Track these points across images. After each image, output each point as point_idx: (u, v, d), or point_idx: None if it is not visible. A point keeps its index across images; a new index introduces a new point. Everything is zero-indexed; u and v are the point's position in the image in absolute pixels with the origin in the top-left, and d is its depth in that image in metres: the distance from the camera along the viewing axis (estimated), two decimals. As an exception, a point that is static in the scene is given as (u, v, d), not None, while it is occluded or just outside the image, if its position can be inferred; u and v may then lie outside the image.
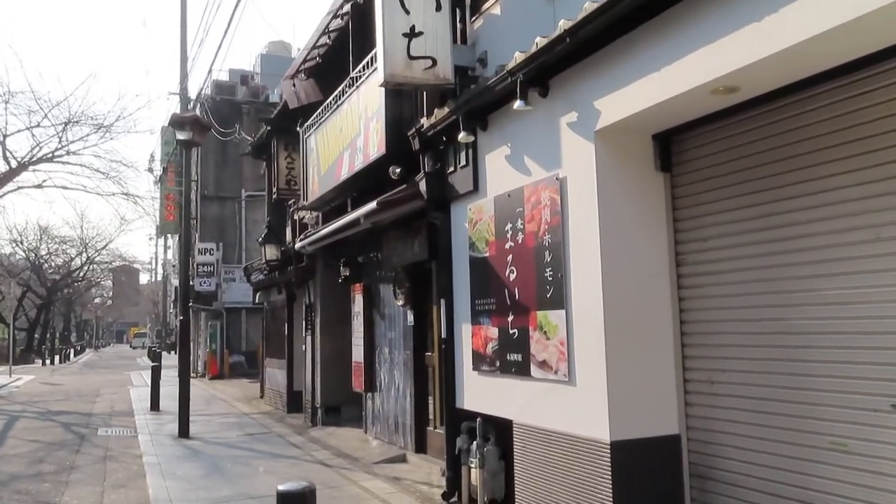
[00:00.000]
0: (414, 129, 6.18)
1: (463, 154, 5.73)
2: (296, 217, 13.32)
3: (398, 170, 6.57)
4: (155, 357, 22.94)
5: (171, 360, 26.34)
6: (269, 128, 12.99)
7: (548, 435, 4.64)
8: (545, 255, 4.65)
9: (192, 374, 23.58)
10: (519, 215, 4.96)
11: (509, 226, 5.08)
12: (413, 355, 7.66)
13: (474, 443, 5.43)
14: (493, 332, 5.24)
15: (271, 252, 11.46)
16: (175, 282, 30.01)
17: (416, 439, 7.58)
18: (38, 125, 16.90)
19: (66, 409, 13.60)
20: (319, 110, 9.19)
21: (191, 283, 24.41)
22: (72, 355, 42.54)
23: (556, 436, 4.56)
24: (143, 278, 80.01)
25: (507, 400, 5.10)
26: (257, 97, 26.05)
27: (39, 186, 17.90)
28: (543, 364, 4.64)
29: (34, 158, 17.33)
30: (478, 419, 5.44)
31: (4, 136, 16.67)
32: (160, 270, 62.92)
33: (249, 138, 16.64)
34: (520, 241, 4.95)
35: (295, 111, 11.64)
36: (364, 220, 6.52)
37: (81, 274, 44.27)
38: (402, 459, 7.62)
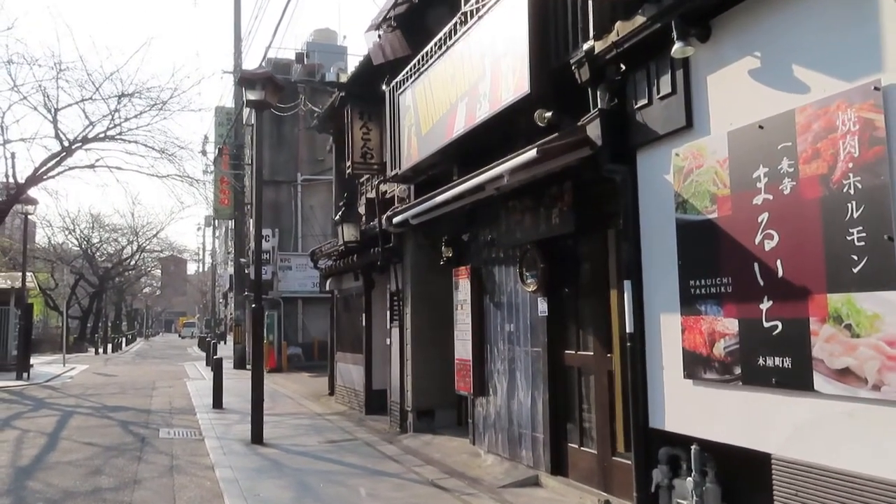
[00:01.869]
0: (580, 56, 4.62)
1: (665, 79, 4.15)
2: (370, 194, 11.93)
3: (547, 114, 5.03)
4: (210, 348, 22.04)
5: (224, 350, 25.44)
6: (341, 94, 11.59)
7: (851, 483, 3.06)
8: (848, 209, 3.06)
9: (248, 367, 22.67)
10: (784, 153, 3.37)
11: (762, 171, 3.49)
12: (547, 353, 6.14)
13: (688, 479, 3.89)
14: (727, 324, 3.67)
15: (349, 233, 10.07)
16: (230, 269, 29.08)
17: (552, 458, 6.05)
18: (91, 99, 15.83)
19: (123, 405, 12.50)
20: (416, 61, 7.70)
21: (246, 270, 23.50)
22: (124, 344, 42.37)
23: (871, 485, 2.98)
24: (191, 269, 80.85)
25: (757, 423, 3.53)
26: (313, 76, 24.80)
27: (92, 167, 16.89)
28: (845, 374, 3.06)
29: (87, 137, 16.31)
30: (692, 446, 3.89)
31: (56, 111, 15.64)
32: (208, 260, 63.10)
33: (316, 109, 15.31)
34: (786, 192, 3.36)
35: (374, 72, 10.22)
36: (509, 177, 5.00)
37: (132, 262, 44.05)
38: (534, 482, 6.12)
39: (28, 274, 25.53)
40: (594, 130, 4.52)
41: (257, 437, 8.42)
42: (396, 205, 9.13)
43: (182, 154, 21.79)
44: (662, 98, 4.17)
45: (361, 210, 11.51)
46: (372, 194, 11.90)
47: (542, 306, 6.19)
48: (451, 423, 8.95)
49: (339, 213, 10.17)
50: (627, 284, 4.38)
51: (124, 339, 44.09)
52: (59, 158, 16.70)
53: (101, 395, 14.20)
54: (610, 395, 5.34)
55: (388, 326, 9.72)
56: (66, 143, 15.94)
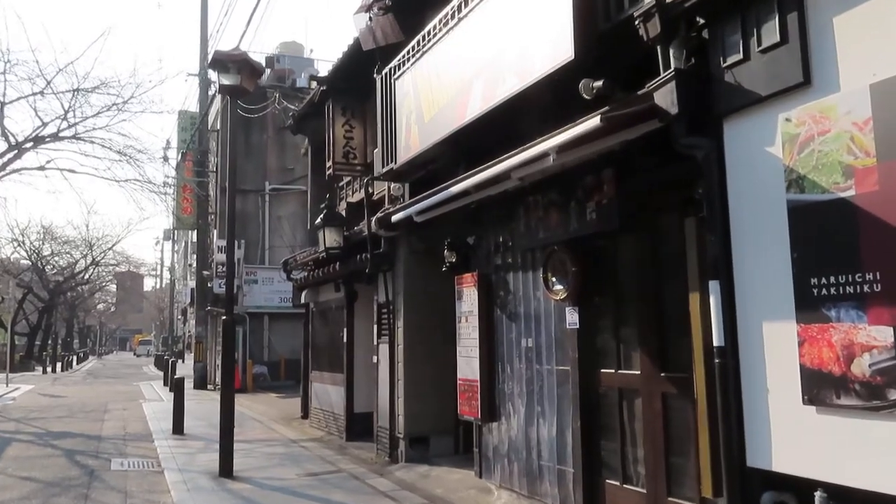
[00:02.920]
0: (648, 6, 3.77)
1: (769, 26, 3.32)
2: (352, 198, 10.96)
3: (596, 83, 4.16)
4: (169, 367, 20.55)
5: (182, 369, 23.90)
6: (322, 88, 10.62)
7: None
8: None
9: (209, 386, 21.25)
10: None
11: (930, 133, 2.66)
12: (578, 372, 5.22)
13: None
14: (874, 334, 2.81)
15: (332, 237, 9.04)
16: (191, 283, 27.57)
17: (584, 496, 5.12)
18: (42, 93, 14.52)
19: (70, 430, 11.16)
20: (419, 39, 6.80)
21: (209, 283, 22.14)
22: (74, 362, 40.07)
23: None
24: (148, 284, 77.86)
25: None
26: (283, 81, 23.72)
27: (42, 168, 15.53)
28: None
29: (38, 136, 14.95)
30: (816, 493, 3.00)
31: (2, 105, 14.27)
32: (167, 275, 60.78)
33: (292, 107, 14.28)
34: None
35: (358, 64, 9.33)
36: (557, 155, 4.09)
37: (86, 276, 41.88)
38: (564, 526, 5.17)
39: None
40: (666, 96, 3.66)
41: (226, 469, 7.29)
42: (387, 206, 8.17)
43: (142, 158, 20.36)
44: (765, 51, 3.33)
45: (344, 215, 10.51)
46: (355, 197, 10.93)
47: (572, 317, 5.28)
48: (448, 452, 7.95)
49: (321, 215, 9.15)
50: (714, 287, 3.50)
51: (75, 358, 41.77)
52: (6, 160, 15.33)
53: (46, 419, 12.79)
54: (665, 420, 4.45)
55: (376, 342, 8.70)
56: (13, 143, 14.56)
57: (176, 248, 58.07)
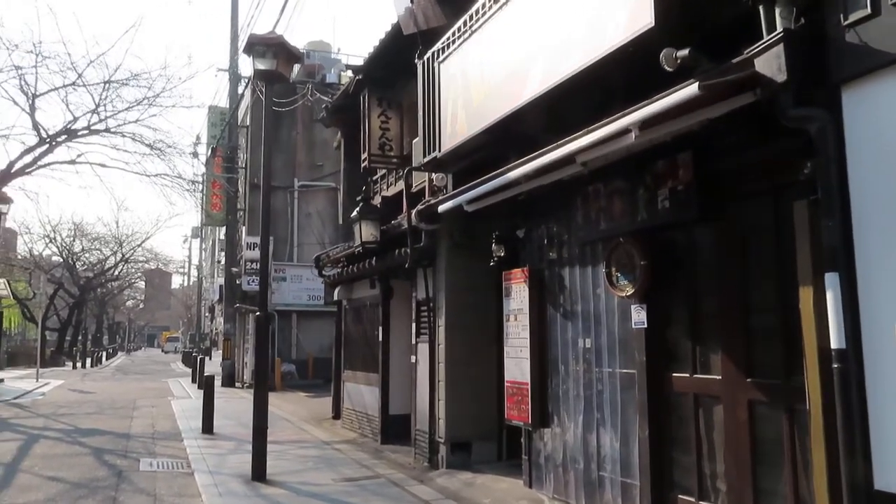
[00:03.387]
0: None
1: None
2: (388, 191, 10.58)
3: (680, 53, 3.69)
4: (197, 364, 20.40)
5: (210, 366, 23.78)
6: (357, 77, 10.26)
7: None
8: None
9: (237, 384, 21.07)
10: None
11: None
12: (646, 375, 4.76)
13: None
14: None
15: (368, 231, 8.65)
16: (220, 280, 27.48)
17: (653, 513, 4.65)
18: (73, 84, 14.37)
19: (98, 427, 10.94)
20: (467, 17, 6.36)
21: (238, 280, 21.96)
22: (104, 358, 40.40)
23: None
24: (175, 282, 78.60)
25: None
26: (313, 77, 23.47)
27: (73, 162, 15.41)
28: None
29: (69, 129, 14.81)
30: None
31: (34, 96, 14.14)
32: (194, 273, 61.17)
33: (326, 99, 13.97)
34: None
35: (396, 53, 8.98)
36: (639, 132, 3.63)
37: (116, 273, 42.22)
38: (630, 545, 4.71)
39: None
40: (771, 63, 3.19)
41: (259, 472, 6.95)
42: (428, 198, 7.76)
43: (172, 153, 20.21)
44: (903, 3, 2.84)
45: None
46: (390, 191, 10.56)
47: (639, 316, 4.82)
48: (491, 458, 7.52)
49: (357, 208, 8.77)
50: (832, 279, 3.01)
51: (105, 354, 42.14)
52: (39, 153, 15.22)
53: (75, 416, 12.61)
54: (751, 431, 3.97)
55: (414, 341, 8.30)
56: (44, 136, 14.43)
57: (204, 245, 58.43)
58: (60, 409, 13.92)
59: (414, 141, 8.90)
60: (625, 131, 3.69)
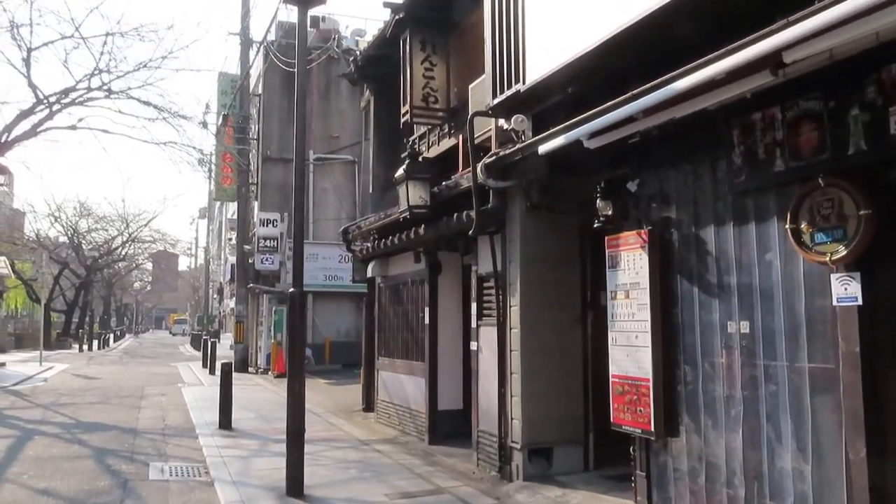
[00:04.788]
0: None
1: None
2: (426, 153, 9.14)
3: None
4: (209, 348, 19.11)
5: (220, 349, 22.52)
6: (397, 17, 8.77)
7: None
8: None
9: (252, 369, 19.80)
10: None
11: None
12: (861, 373, 3.36)
13: None
14: None
15: (417, 194, 7.24)
16: (231, 259, 26.17)
17: (871, 568, 3.27)
18: (72, 37, 12.95)
19: (102, 421, 9.65)
20: None
21: (251, 259, 20.62)
22: (111, 341, 39.32)
23: None
24: (182, 264, 77.34)
25: None
26: (328, 42, 21.90)
27: (74, 128, 13.98)
28: None
29: (68, 90, 13.38)
30: None
31: (29, 50, 12.69)
32: (201, 255, 59.96)
33: (354, 49, 12.51)
34: None
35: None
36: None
37: (123, 253, 40.98)
38: None
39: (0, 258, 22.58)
40: None
41: (296, 486, 5.60)
42: (496, 149, 6.32)
43: (181, 120, 18.69)
44: None
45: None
46: (433, 152, 9.16)
47: (848, 288, 3.40)
48: (576, 467, 6.15)
49: (403, 166, 7.35)
50: None
51: (112, 336, 41.05)
52: (39, 120, 13.82)
53: (77, 406, 11.34)
54: None
55: (475, 325, 6.92)
56: (41, 96, 13.01)
57: (211, 226, 57.22)
58: (62, 397, 12.67)
59: (471, 85, 7.47)
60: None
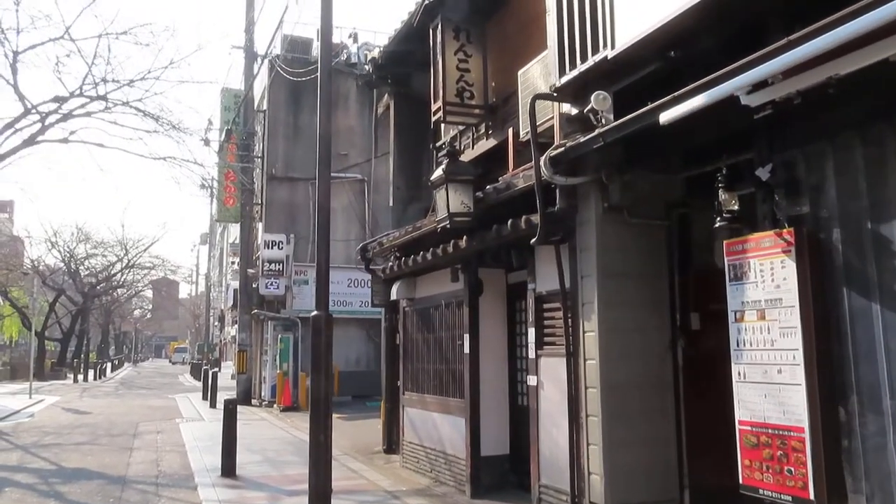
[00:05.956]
0: None
1: None
2: (460, 146, 8.01)
3: None
4: (210, 379, 17.84)
5: (221, 379, 21.22)
6: (426, 3, 7.71)
7: None
8: None
9: (255, 401, 18.48)
10: None
11: None
12: None
13: None
14: None
15: (458, 199, 6.09)
16: (234, 284, 24.98)
17: None
18: (61, 38, 11.92)
19: (87, 467, 8.39)
20: None
21: (255, 284, 19.45)
22: (108, 370, 37.92)
23: None
24: (183, 292, 75.92)
25: None
26: (336, 56, 20.99)
27: (65, 141, 12.90)
28: None
29: (58, 97, 12.32)
30: None
31: (16, 53, 11.64)
32: (202, 282, 58.71)
33: (376, 42, 11.49)
34: None
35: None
36: None
37: (122, 279, 39.78)
38: None
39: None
40: None
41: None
42: (562, 140, 5.18)
43: (180, 135, 17.63)
44: None
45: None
46: (467, 155, 8.02)
47: None
48: (672, 535, 4.90)
49: (442, 166, 6.20)
50: None
51: (109, 365, 39.67)
52: (30, 136, 12.74)
53: (61, 448, 10.08)
54: None
55: (534, 354, 5.70)
56: (29, 106, 11.95)
57: (212, 252, 56.13)
58: (46, 436, 11.41)
59: (520, 71, 6.39)
60: None
